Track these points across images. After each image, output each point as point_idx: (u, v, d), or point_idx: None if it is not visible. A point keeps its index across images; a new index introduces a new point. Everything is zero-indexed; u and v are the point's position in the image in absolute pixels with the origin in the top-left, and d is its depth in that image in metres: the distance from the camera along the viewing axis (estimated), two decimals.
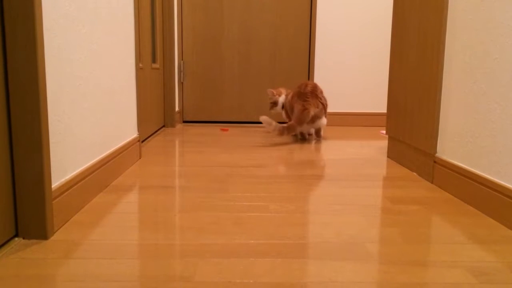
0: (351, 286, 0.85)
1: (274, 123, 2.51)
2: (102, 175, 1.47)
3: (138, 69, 2.02)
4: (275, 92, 2.90)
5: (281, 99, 2.88)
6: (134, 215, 1.24)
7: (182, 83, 3.45)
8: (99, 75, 1.47)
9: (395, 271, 0.91)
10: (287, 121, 2.87)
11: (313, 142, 2.65)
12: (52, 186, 1.09)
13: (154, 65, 2.78)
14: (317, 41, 3.40)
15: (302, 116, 2.52)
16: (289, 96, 2.79)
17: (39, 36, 0.99)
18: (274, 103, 2.91)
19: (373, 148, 2.43)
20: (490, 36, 1.31)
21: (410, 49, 1.88)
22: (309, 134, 2.80)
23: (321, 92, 2.64)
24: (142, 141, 2.48)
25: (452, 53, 1.53)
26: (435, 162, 1.63)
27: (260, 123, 3.45)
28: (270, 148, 2.39)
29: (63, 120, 1.17)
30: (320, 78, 3.43)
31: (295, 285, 0.85)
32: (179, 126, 3.33)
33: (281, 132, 2.52)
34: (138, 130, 2.02)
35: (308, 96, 2.55)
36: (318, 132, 2.75)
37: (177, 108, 3.34)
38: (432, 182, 1.65)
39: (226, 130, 3.09)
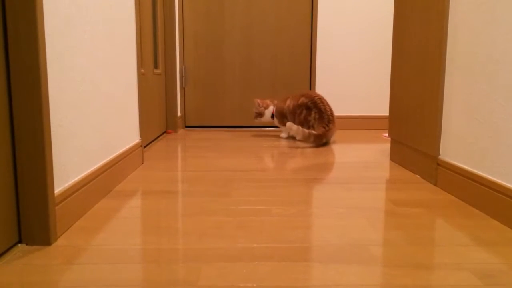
0: None
1: (300, 128, 2.71)
2: (104, 180, 1.47)
3: (140, 75, 2.02)
4: (261, 104, 3.02)
5: (268, 112, 3.02)
6: (137, 220, 1.24)
7: (184, 88, 3.46)
8: (100, 80, 1.47)
9: (399, 274, 0.91)
10: (280, 126, 3.02)
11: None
12: (55, 192, 1.09)
13: (156, 71, 2.79)
14: (318, 44, 3.40)
15: (329, 134, 2.72)
16: (291, 104, 2.87)
17: (41, 42, 0.99)
18: (259, 114, 3.04)
19: (376, 151, 2.42)
20: (491, 37, 1.31)
21: (411, 52, 1.88)
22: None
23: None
24: (145, 146, 2.49)
25: (454, 55, 1.53)
26: (438, 164, 1.63)
27: (262, 127, 3.47)
28: (272, 152, 2.39)
29: (65, 125, 1.17)
30: (321, 81, 3.43)
31: None
32: (181, 131, 3.33)
33: (307, 139, 2.68)
34: (140, 135, 2.02)
35: (333, 117, 2.74)
36: None
37: (179, 113, 3.34)
38: (435, 185, 1.64)
39: (170, 132, 3.21)
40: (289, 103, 2.89)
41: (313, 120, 2.73)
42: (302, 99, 2.80)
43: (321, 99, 2.77)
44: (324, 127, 2.68)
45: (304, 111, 2.77)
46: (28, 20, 0.97)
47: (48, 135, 1.03)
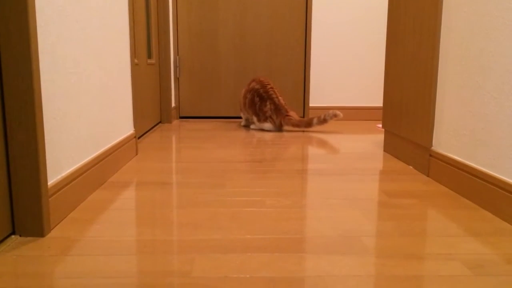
0: (348, 280, 0.85)
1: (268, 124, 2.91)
2: (98, 171, 1.46)
3: (134, 65, 2.01)
4: None
5: None
6: (131, 212, 1.24)
7: (178, 78, 3.44)
8: (93, 71, 1.46)
9: (391, 265, 0.92)
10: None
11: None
12: (48, 183, 1.08)
13: (149, 61, 2.77)
14: (313, 35, 3.39)
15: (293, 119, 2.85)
16: (243, 90, 3.00)
17: (32, 33, 0.98)
18: None
19: (370, 142, 2.43)
20: (485, 29, 1.31)
21: (405, 43, 1.88)
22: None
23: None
24: (139, 138, 2.48)
25: (447, 47, 1.53)
26: (431, 155, 1.64)
27: None
28: (266, 143, 2.39)
29: (58, 117, 1.17)
30: (316, 72, 3.43)
31: (292, 280, 0.85)
32: (176, 121, 3.32)
33: (278, 127, 2.86)
34: (134, 126, 2.02)
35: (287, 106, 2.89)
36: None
37: (173, 104, 3.33)
38: (428, 176, 1.66)
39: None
40: (243, 91, 3.01)
41: (270, 111, 2.80)
42: (253, 84, 2.89)
43: (273, 89, 2.85)
44: (288, 115, 2.80)
45: (257, 99, 2.83)
46: (19, 10, 0.96)
47: (40, 127, 1.03)
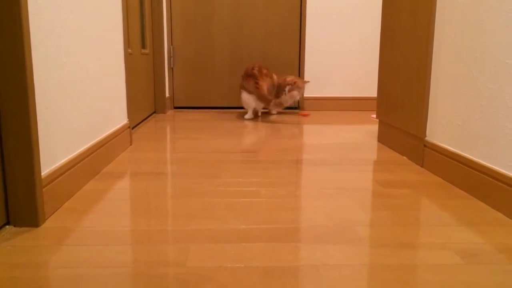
0: (342, 269, 0.86)
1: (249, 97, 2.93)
2: (92, 162, 1.46)
3: (127, 55, 2.00)
4: None
5: None
6: (126, 202, 1.24)
7: (172, 68, 3.42)
8: (87, 61, 1.45)
9: (385, 254, 0.93)
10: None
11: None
12: (42, 174, 1.08)
13: (143, 51, 2.75)
14: (308, 25, 3.38)
15: (261, 90, 2.82)
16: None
17: (25, 22, 0.97)
18: None
19: (364, 133, 2.44)
20: (479, 19, 1.31)
21: (400, 33, 1.88)
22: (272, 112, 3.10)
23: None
24: (133, 128, 2.47)
25: (442, 37, 1.53)
26: (425, 145, 1.65)
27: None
28: (261, 134, 2.39)
29: (51, 107, 1.16)
30: (310, 62, 3.42)
31: (287, 269, 0.86)
32: (170, 112, 3.31)
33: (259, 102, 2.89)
34: (128, 117, 2.01)
35: (258, 72, 2.85)
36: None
37: (167, 94, 3.32)
38: (422, 166, 1.67)
39: (306, 115, 3.18)
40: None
41: (241, 80, 2.88)
42: (246, 68, 2.92)
43: (254, 68, 2.83)
44: (258, 83, 2.77)
45: (241, 80, 2.91)
46: (12, 0, 0.95)
47: (34, 117, 1.02)
